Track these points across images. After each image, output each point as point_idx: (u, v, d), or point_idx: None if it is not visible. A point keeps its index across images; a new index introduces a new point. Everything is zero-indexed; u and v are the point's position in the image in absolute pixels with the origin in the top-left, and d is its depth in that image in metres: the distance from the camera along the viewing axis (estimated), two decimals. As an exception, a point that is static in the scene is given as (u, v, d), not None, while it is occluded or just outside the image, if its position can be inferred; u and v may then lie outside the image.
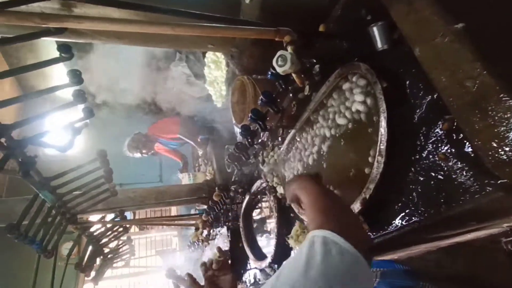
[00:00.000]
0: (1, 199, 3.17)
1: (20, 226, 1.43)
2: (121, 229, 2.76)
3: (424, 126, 0.80)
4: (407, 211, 0.83)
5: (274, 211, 1.54)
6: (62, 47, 0.95)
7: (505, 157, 0.61)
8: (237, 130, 2.18)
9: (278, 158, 1.49)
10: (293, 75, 0.99)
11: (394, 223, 0.86)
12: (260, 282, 1.76)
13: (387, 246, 0.97)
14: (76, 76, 1.07)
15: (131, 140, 3.92)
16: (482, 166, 0.65)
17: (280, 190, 1.50)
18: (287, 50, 0.92)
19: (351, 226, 0.63)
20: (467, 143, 0.69)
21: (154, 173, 6.39)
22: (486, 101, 0.64)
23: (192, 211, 4.38)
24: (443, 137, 0.75)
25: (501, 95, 0.62)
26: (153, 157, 6.51)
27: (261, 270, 1.71)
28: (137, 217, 5.48)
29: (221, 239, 2.51)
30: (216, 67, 2.63)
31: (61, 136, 1.34)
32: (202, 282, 1.20)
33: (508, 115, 0.60)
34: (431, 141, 0.78)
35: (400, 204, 0.85)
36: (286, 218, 1.48)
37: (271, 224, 2.20)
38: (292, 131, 1.33)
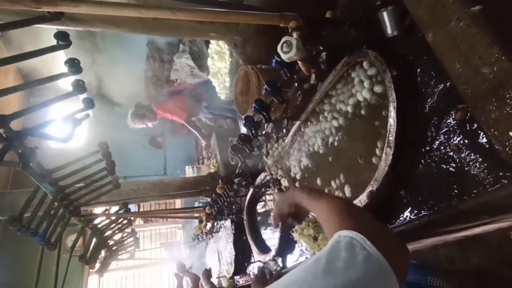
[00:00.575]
0: (5, 192, 3.19)
1: (22, 218, 1.43)
2: (125, 221, 2.76)
3: (435, 116, 0.76)
4: (416, 204, 0.80)
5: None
6: (59, 34, 0.93)
7: (524, 148, 0.58)
8: (241, 121, 2.15)
9: (283, 150, 1.46)
10: (299, 63, 0.95)
11: (402, 216, 0.84)
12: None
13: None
14: (75, 65, 1.05)
15: (135, 111, 3.76)
16: (497, 157, 0.62)
17: (284, 182, 1.48)
18: (292, 36, 0.88)
19: (383, 233, 0.56)
20: (482, 133, 0.65)
21: (158, 166, 6.41)
22: (504, 89, 0.60)
23: (196, 204, 4.39)
24: (455, 127, 0.71)
25: (521, 82, 0.58)
26: (158, 150, 6.53)
27: (265, 263, 1.70)
28: (141, 209, 5.51)
29: (225, 232, 2.50)
30: (219, 58, 2.59)
31: (62, 128, 1.32)
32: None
33: (529, 103, 0.57)
34: (442, 131, 0.74)
35: (408, 197, 0.82)
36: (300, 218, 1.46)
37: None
38: (297, 123, 1.29)
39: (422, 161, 0.79)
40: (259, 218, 2.07)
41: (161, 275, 6.15)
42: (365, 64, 0.95)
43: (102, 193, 2.10)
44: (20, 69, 4.63)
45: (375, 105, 0.93)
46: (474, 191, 0.66)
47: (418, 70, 0.81)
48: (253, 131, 1.20)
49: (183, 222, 5.99)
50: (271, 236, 2.00)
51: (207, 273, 2.29)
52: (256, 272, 1.19)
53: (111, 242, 2.89)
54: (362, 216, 0.60)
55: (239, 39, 1.41)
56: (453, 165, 0.71)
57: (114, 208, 2.76)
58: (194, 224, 3.66)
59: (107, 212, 2.63)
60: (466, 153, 0.68)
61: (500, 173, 0.62)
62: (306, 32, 0.87)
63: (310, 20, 0.91)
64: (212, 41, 2.61)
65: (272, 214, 0.87)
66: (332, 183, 1.11)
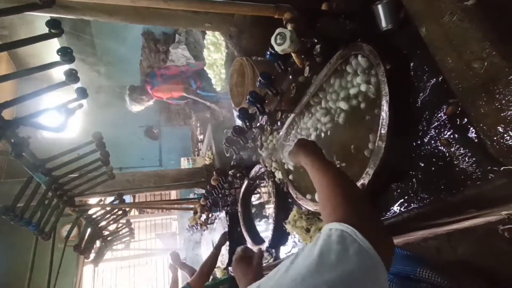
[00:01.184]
0: (-1, 181, 3.17)
1: (15, 208, 1.42)
2: (120, 212, 2.77)
3: (427, 111, 0.77)
4: (406, 197, 0.81)
5: (273, 196, 1.53)
6: (51, 22, 0.91)
7: (511, 143, 0.58)
8: (236, 113, 2.14)
9: (277, 142, 1.46)
10: (293, 55, 0.95)
11: (392, 209, 0.85)
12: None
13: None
14: (67, 54, 1.03)
15: (131, 96, 3.69)
16: (485, 152, 0.63)
17: (278, 175, 1.49)
18: (287, 28, 0.87)
19: (374, 224, 0.56)
20: (472, 128, 0.66)
21: (153, 157, 6.41)
22: (494, 84, 0.61)
23: (191, 196, 4.41)
24: (446, 122, 0.72)
25: (511, 77, 0.58)
26: (153, 141, 6.51)
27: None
28: (136, 200, 5.52)
29: (220, 224, 2.52)
30: (215, 49, 2.56)
31: (55, 117, 1.31)
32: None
33: (517, 98, 0.57)
34: (433, 126, 0.75)
35: (399, 190, 0.83)
36: (284, 204, 1.47)
37: (270, 209, 2.20)
38: (292, 115, 1.30)
39: (413, 155, 0.80)
40: (253, 210, 2.09)
41: (156, 266, 6.19)
42: (359, 57, 0.95)
43: (97, 183, 2.10)
44: (12, 57, 4.56)
45: (368, 99, 0.93)
46: (463, 185, 0.67)
47: (412, 64, 0.82)
48: (248, 123, 1.20)
49: (178, 213, 6.01)
50: (266, 228, 2.02)
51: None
52: (239, 251, 1.18)
53: (106, 233, 2.91)
54: (358, 204, 0.60)
55: (234, 30, 1.40)
56: (443, 159, 0.72)
57: (109, 199, 2.76)
58: (189, 215, 3.68)
59: (101, 203, 2.64)
60: (456, 147, 0.69)
61: (488, 167, 0.63)
62: (300, 24, 0.87)
63: (306, 11, 0.90)
64: (208, 32, 2.59)
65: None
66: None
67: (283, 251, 1.50)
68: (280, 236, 1.50)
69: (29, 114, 1.14)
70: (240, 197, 2.04)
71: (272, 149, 1.51)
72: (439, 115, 0.73)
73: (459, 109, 0.68)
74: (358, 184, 0.91)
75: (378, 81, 0.87)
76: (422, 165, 0.77)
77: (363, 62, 0.93)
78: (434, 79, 0.75)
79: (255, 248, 1.75)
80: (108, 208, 2.63)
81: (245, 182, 1.95)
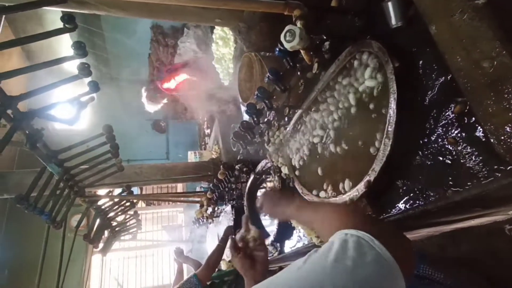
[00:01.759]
0: (11, 171, 3.25)
1: (29, 198, 1.47)
2: (128, 203, 2.82)
3: (435, 109, 0.77)
4: (411, 195, 0.82)
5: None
6: (65, 17, 0.93)
7: (518, 142, 0.59)
8: (244, 108, 2.15)
9: (284, 138, 1.47)
10: (302, 52, 0.95)
11: (397, 206, 0.86)
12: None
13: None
14: (81, 48, 1.06)
15: (147, 96, 3.76)
16: (492, 151, 0.63)
17: (285, 170, 1.50)
18: (296, 25, 0.88)
19: (391, 232, 0.55)
20: (479, 127, 0.66)
21: (161, 150, 6.47)
22: (502, 83, 0.61)
23: (198, 189, 4.45)
24: (454, 120, 0.72)
25: (520, 77, 0.58)
26: (161, 135, 6.57)
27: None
28: (143, 192, 5.60)
29: (225, 217, 2.55)
30: (224, 44, 2.57)
31: (67, 110, 1.34)
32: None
33: (525, 98, 0.58)
34: (441, 124, 0.75)
35: (405, 188, 0.84)
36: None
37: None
38: (299, 111, 1.30)
39: (420, 152, 0.80)
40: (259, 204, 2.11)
41: (162, 257, 6.29)
42: (367, 54, 0.95)
43: (106, 175, 2.14)
44: (24, 50, 4.62)
45: (376, 96, 0.94)
46: (469, 183, 0.67)
47: (420, 62, 0.82)
48: (255, 119, 1.21)
49: (184, 206, 6.09)
50: (270, 223, 2.05)
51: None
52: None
53: (114, 223, 2.97)
54: (366, 215, 0.60)
55: (243, 25, 1.41)
56: (449, 157, 0.72)
57: (117, 191, 2.82)
58: (195, 208, 3.73)
59: (110, 194, 2.69)
60: (463, 146, 0.69)
61: (495, 167, 0.63)
62: (310, 21, 0.87)
63: (315, 8, 0.91)
64: (216, 27, 2.59)
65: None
66: (332, 173, 1.13)
67: (288, 245, 1.52)
68: (285, 231, 1.52)
69: (43, 106, 1.18)
70: (246, 191, 2.06)
71: (279, 144, 1.52)
72: (447, 113, 0.74)
73: (467, 108, 0.69)
74: (364, 180, 0.92)
75: (386, 78, 0.87)
76: (428, 163, 0.78)
77: (371, 59, 0.93)
78: (443, 78, 0.75)
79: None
80: (116, 200, 2.68)
81: (251, 177, 1.97)
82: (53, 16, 3.60)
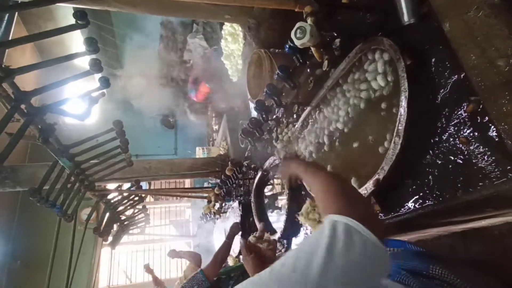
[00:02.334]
0: (23, 165, 3.32)
1: (42, 191, 1.50)
2: (136, 198, 2.86)
3: (447, 108, 0.76)
4: (421, 194, 0.81)
5: (286, 187, 1.55)
6: (77, 13, 0.94)
7: (533, 143, 0.58)
8: (252, 105, 2.16)
9: (292, 135, 1.47)
10: (312, 49, 0.95)
11: (406, 205, 0.85)
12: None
13: (397, 228, 0.97)
14: (93, 44, 1.07)
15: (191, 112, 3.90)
16: (505, 151, 0.62)
17: (292, 167, 1.50)
18: (307, 22, 0.87)
19: (371, 215, 0.61)
20: (492, 126, 0.65)
21: (169, 146, 6.52)
22: (518, 82, 0.60)
23: (205, 184, 4.48)
24: (466, 119, 0.71)
25: (536, 76, 0.57)
26: (169, 130, 6.62)
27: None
28: (152, 187, 5.66)
29: (233, 213, 2.57)
30: (233, 40, 2.57)
31: (77, 105, 1.36)
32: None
33: (541, 98, 0.56)
34: (453, 123, 0.74)
35: (414, 187, 0.83)
36: (297, 196, 1.49)
37: (282, 200, 2.22)
38: (308, 108, 1.30)
39: (430, 151, 0.79)
40: (266, 201, 2.12)
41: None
42: (379, 51, 0.94)
43: (116, 170, 2.17)
44: (36, 44, 4.70)
45: (386, 94, 0.93)
46: (480, 184, 0.67)
47: (433, 60, 0.80)
48: (264, 116, 1.21)
49: (191, 201, 6.13)
50: (277, 219, 2.05)
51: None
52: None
53: (123, 217, 3.01)
54: (354, 197, 0.64)
55: (253, 22, 1.40)
56: (461, 157, 0.71)
57: (127, 185, 2.85)
58: (202, 203, 3.76)
59: (119, 189, 2.73)
60: (475, 146, 0.68)
61: (508, 167, 0.62)
62: (321, 18, 0.86)
63: (326, 4, 0.90)
64: (226, 23, 2.59)
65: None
66: (340, 170, 1.13)
67: (295, 242, 1.53)
68: (292, 228, 1.52)
69: (56, 101, 1.20)
70: (253, 188, 2.07)
71: (287, 141, 1.51)
72: (459, 112, 0.73)
73: (480, 107, 0.67)
74: (373, 179, 0.91)
75: (397, 76, 0.86)
76: (439, 162, 0.77)
77: (382, 56, 0.92)
78: (456, 76, 0.74)
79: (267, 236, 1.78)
80: (125, 194, 2.72)
81: (259, 173, 1.98)
82: (64, 10, 3.65)
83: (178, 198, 6.24)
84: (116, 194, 2.64)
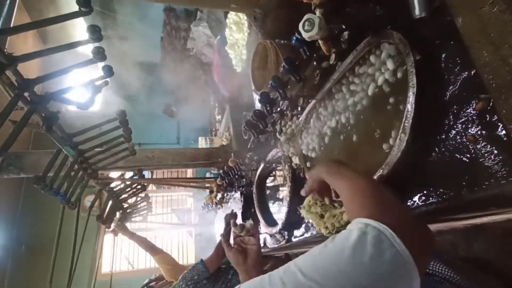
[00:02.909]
0: (27, 152, 3.34)
1: (46, 178, 1.51)
2: (139, 186, 2.88)
3: (455, 105, 0.74)
4: (425, 191, 0.81)
5: (288, 180, 1.55)
6: (81, 0, 0.93)
7: (542, 144, 0.57)
8: (256, 97, 2.14)
9: (296, 128, 1.46)
10: (320, 42, 0.93)
11: (409, 202, 0.85)
12: (269, 246, 1.83)
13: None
14: (96, 32, 1.06)
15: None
16: (513, 151, 0.61)
17: (296, 160, 1.50)
18: (315, 14, 0.85)
19: (411, 223, 0.53)
20: (501, 125, 0.64)
21: (171, 135, 6.53)
22: (530, 82, 0.58)
23: (208, 174, 4.51)
24: (474, 117, 0.70)
25: (550, 75, 0.56)
26: (172, 119, 6.61)
27: (271, 236, 1.77)
28: (154, 176, 5.69)
29: (234, 203, 2.59)
30: (237, 29, 2.53)
31: (82, 93, 1.36)
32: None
33: (554, 98, 0.55)
34: (461, 121, 0.73)
35: (419, 184, 0.83)
36: (299, 189, 1.48)
37: (284, 192, 2.23)
38: (313, 101, 1.28)
39: (436, 149, 0.78)
40: (268, 192, 2.13)
41: (171, 239, 6.46)
42: (388, 45, 0.92)
43: (119, 158, 2.18)
44: (38, 31, 4.66)
45: (394, 90, 0.91)
46: (486, 183, 0.66)
47: (443, 55, 0.79)
48: (268, 108, 1.20)
49: (193, 190, 6.18)
50: (278, 210, 2.06)
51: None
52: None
53: (125, 205, 3.04)
54: (390, 202, 0.56)
55: (259, 12, 1.37)
56: (467, 155, 0.71)
57: (129, 174, 2.87)
58: (204, 193, 3.78)
59: (122, 177, 2.74)
60: (482, 145, 0.68)
61: (515, 167, 0.61)
62: (329, 10, 0.84)
63: (335, -4, 0.88)
64: (230, 11, 2.55)
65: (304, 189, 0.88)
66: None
67: (296, 234, 1.54)
68: (293, 220, 1.53)
69: (59, 89, 1.19)
70: (255, 179, 2.07)
71: (291, 134, 1.51)
72: (468, 110, 0.71)
73: (490, 105, 0.66)
74: (377, 174, 0.91)
75: (406, 71, 0.85)
76: (445, 160, 0.76)
77: (391, 51, 0.90)
78: (466, 73, 0.73)
79: (268, 230, 1.80)
80: (128, 182, 2.74)
81: (262, 165, 1.98)
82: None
83: (180, 187, 6.28)
84: (119, 182, 2.66)
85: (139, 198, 3.20)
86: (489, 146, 0.66)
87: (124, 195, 2.81)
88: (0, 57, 0.97)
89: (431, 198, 0.79)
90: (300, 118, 1.41)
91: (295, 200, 1.50)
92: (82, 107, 1.30)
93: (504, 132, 0.64)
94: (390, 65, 0.91)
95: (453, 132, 0.75)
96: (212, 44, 4.65)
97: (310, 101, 1.29)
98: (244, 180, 2.29)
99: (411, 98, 0.81)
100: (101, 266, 5.18)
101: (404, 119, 0.83)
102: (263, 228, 1.92)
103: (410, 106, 0.81)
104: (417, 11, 0.81)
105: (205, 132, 6.11)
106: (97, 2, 4.45)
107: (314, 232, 1.35)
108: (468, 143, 0.70)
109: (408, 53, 0.83)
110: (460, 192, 0.72)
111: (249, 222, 1.24)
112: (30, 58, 1.04)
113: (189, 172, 6.20)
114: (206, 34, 4.71)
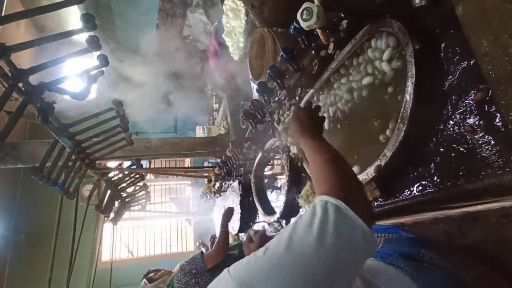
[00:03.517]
0: (23, 142, 3.32)
1: (43, 169, 1.50)
2: (137, 176, 2.89)
3: (454, 95, 0.74)
4: (422, 181, 0.81)
5: (286, 169, 1.56)
6: (74, -12, 0.90)
7: (540, 134, 0.57)
8: (254, 86, 2.12)
9: (294, 117, 1.45)
10: (318, 31, 0.91)
11: (407, 192, 0.86)
12: (268, 235, 1.85)
13: (395, 212, 0.98)
14: (90, 21, 1.03)
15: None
16: (510, 141, 0.61)
17: (293, 149, 1.50)
18: (313, 3, 0.83)
19: (360, 198, 0.63)
20: (499, 116, 0.64)
21: (169, 124, 6.49)
22: (530, 72, 0.58)
23: (206, 163, 4.51)
24: (473, 108, 0.70)
25: (549, 66, 0.55)
26: (169, 108, 6.56)
27: (270, 224, 1.79)
28: (152, 165, 5.70)
29: (232, 192, 2.60)
30: (234, 16, 2.48)
31: (76, 82, 1.34)
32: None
33: (553, 89, 0.55)
34: (459, 111, 0.73)
35: (415, 174, 0.84)
36: (297, 178, 1.50)
37: (282, 180, 2.24)
38: (311, 91, 1.28)
39: (434, 139, 0.79)
40: (266, 181, 2.14)
41: (171, 227, 6.52)
42: (386, 34, 0.91)
43: (116, 148, 2.17)
44: (31, 18, 4.55)
45: (392, 79, 0.91)
46: (482, 173, 0.67)
47: (443, 45, 0.78)
48: (266, 98, 1.19)
49: (192, 179, 6.20)
50: (276, 199, 2.08)
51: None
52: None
53: (124, 194, 3.05)
54: (347, 179, 0.66)
55: (257, 0, 1.35)
56: (465, 145, 0.71)
57: (127, 163, 2.87)
58: (203, 181, 3.79)
59: (120, 167, 2.74)
60: (480, 135, 0.68)
61: (511, 157, 0.62)
62: (328, -2, 0.82)
63: (334, -17, 0.86)
64: (228, -2, 2.50)
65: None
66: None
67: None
68: (291, 209, 1.54)
69: (54, 79, 1.17)
70: (253, 168, 2.08)
71: (289, 123, 1.50)
72: (466, 100, 0.71)
73: (489, 95, 0.66)
74: (374, 165, 0.91)
75: (405, 61, 0.84)
76: (442, 150, 0.77)
77: (390, 40, 0.89)
78: (465, 63, 0.72)
79: (266, 218, 1.82)
80: (126, 172, 2.74)
81: (259, 154, 1.98)
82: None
83: (179, 176, 6.29)
84: (116, 172, 2.66)
85: (137, 187, 3.21)
86: (486, 136, 0.67)
87: (123, 185, 2.82)
88: (-8, 47, 0.95)
89: (428, 188, 0.80)
90: (298, 108, 1.41)
91: (293, 189, 1.51)
92: (78, 97, 1.29)
93: (502, 122, 0.64)
94: (388, 54, 0.90)
95: (451, 122, 0.75)
96: (208, 31, 4.56)
97: (308, 90, 1.28)
98: (242, 169, 2.30)
99: (409, 87, 0.81)
100: (101, 254, 5.24)
101: (402, 109, 0.82)
102: (261, 216, 1.94)
103: (408, 96, 0.81)
104: (417, -1, 0.80)
105: (203, 121, 6.08)
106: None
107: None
108: (466, 133, 0.71)
109: (407, 42, 0.82)
110: (457, 182, 0.72)
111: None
112: (24, 48, 1.02)
113: (187, 161, 6.20)
114: (203, 21, 4.62)
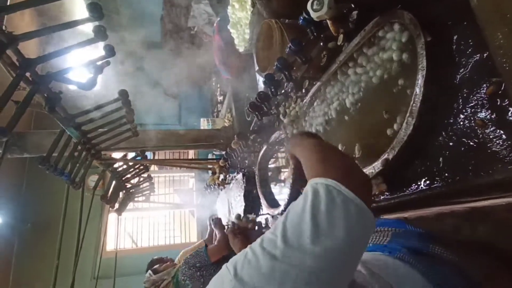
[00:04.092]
0: (29, 132, 3.34)
1: (50, 159, 1.52)
2: (142, 167, 2.90)
3: (465, 88, 0.73)
4: (430, 175, 0.81)
5: (291, 163, 1.55)
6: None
7: (553, 129, 0.56)
8: (260, 78, 2.11)
9: (300, 110, 1.45)
10: (328, 22, 0.90)
11: (414, 185, 0.85)
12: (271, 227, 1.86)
13: (401, 206, 0.97)
14: (96, 10, 1.03)
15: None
16: (522, 136, 0.61)
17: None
18: (324, -8, 0.82)
19: (351, 173, 0.61)
20: (512, 110, 0.63)
21: (173, 116, 6.49)
22: (545, 65, 0.57)
23: (210, 155, 4.52)
24: (485, 101, 0.69)
25: None
26: (173, 100, 6.55)
27: (273, 217, 1.80)
28: (156, 157, 5.72)
29: (236, 184, 2.61)
30: (240, 7, 2.45)
31: (82, 73, 1.34)
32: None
33: None
34: (470, 105, 0.72)
35: (423, 168, 0.83)
36: (302, 171, 1.49)
37: (286, 173, 2.24)
38: (318, 83, 1.27)
39: (443, 133, 0.78)
40: (270, 174, 2.14)
41: (174, 218, 6.58)
42: (397, 26, 0.89)
43: (122, 139, 2.18)
44: (36, 8, 4.54)
45: (402, 72, 0.89)
46: (493, 168, 0.66)
47: (455, 37, 0.76)
48: (273, 90, 1.18)
49: (195, 171, 6.23)
50: (279, 191, 2.09)
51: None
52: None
53: (128, 185, 3.08)
54: (334, 160, 0.65)
55: (264, -11, 1.33)
56: (475, 140, 0.70)
57: (132, 154, 2.88)
58: (206, 174, 3.80)
59: (125, 158, 2.76)
60: (491, 129, 0.67)
61: (523, 152, 0.61)
62: (338, -13, 0.81)
63: (344, -27, 0.84)
64: (233, -12, 2.46)
65: None
66: (347, 149, 1.12)
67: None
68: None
69: (61, 69, 1.17)
70: (258, 161, 2.08)
71: (295, 116, 1.50)
72: (478, 94, 0.70)
73: (502, 89, 0.65)
74: (382, 158, 0.91)
75: (415, 53, 0.82)
76: (451, 144, 0.76)
77: (401, 31, 0.88)
78: (478, 55, 0.71)
79: (270, 211, 1.82)
80: (131, 163, 2.75)
81: (264, 147, 1.98)
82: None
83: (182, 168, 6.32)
84: (121, 163, 2.68)
85: (141, 179, 3.23)
86: (498, 130, 0.66)
87: (127, 176, 2.84)
88: (0, 37, 0.95)
89: (436, 182, 0.79)
90: (305, 100, 1.40)
91: (297, 182, 1.51)
92: (84, 88, 1.29)
93: (514, 116, 0.63)
94: (398, 46, 0.88)
95: (462, 116, 0.74)
96: (213, 22, 4.52)
97: (315, 83, 1.27)
98: (246, 161, 2.30)
99: (420, 81, 0.80)
100: (105, 244, 5.31)
101: (412, 102, 0.81)
102: (265, 209, 1.95)
103: (418, 89, 0.80)
104: (430, -10, 0.78)
105: (207, 113, 6.07)
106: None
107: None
108: (476, 127, 0.70)
109: (418, 34, 0.81)
110: (466, 177, 0.72)
111: (252, 216, 1.32)
112: (31, 37, 1.02)
113: (191, 153, 6.22)
114: (208, 12, 4.58)
